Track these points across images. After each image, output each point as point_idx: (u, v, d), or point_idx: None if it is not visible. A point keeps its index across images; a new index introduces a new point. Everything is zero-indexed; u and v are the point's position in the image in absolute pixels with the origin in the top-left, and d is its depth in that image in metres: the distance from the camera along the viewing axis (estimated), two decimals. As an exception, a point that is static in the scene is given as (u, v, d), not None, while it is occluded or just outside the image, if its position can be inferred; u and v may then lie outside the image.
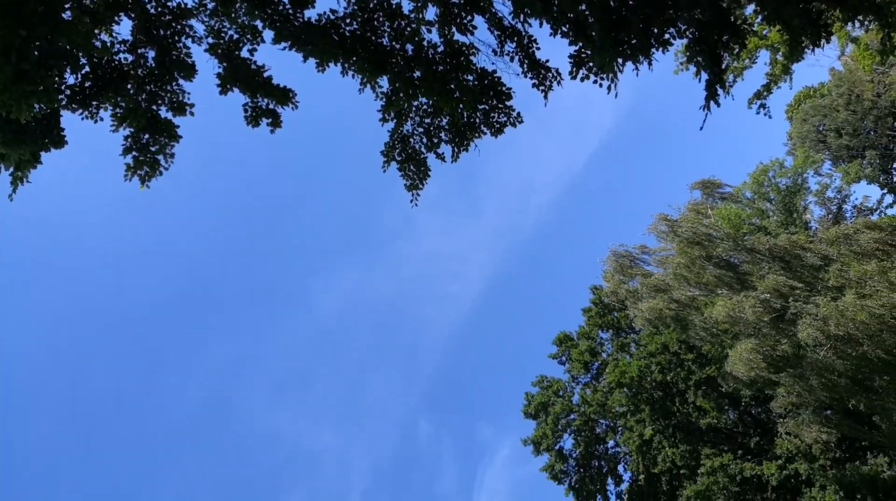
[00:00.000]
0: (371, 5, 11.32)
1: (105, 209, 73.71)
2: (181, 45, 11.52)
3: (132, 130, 11.50)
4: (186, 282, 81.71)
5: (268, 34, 11.47)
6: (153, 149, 11.73)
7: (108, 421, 73.69)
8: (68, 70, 10.44)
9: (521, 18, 11.35)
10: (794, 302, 23.95)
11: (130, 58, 11.28)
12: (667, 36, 10.92)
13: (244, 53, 11.84)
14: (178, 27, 11.45)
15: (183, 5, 11.37)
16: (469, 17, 11.56)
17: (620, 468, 36.48)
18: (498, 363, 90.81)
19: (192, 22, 11.55)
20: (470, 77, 11.80)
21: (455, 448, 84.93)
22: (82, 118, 11.04)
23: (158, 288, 79.32)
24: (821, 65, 40.84)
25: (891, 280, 22.45)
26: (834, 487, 27.07)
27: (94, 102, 11.00)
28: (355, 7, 11.31)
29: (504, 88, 11.96)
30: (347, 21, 11.30)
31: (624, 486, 36.02)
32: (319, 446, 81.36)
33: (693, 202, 34.04)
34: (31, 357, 70.22)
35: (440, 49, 11.70)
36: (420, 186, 12.85)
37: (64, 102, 10.72)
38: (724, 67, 11.96)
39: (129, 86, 11.19)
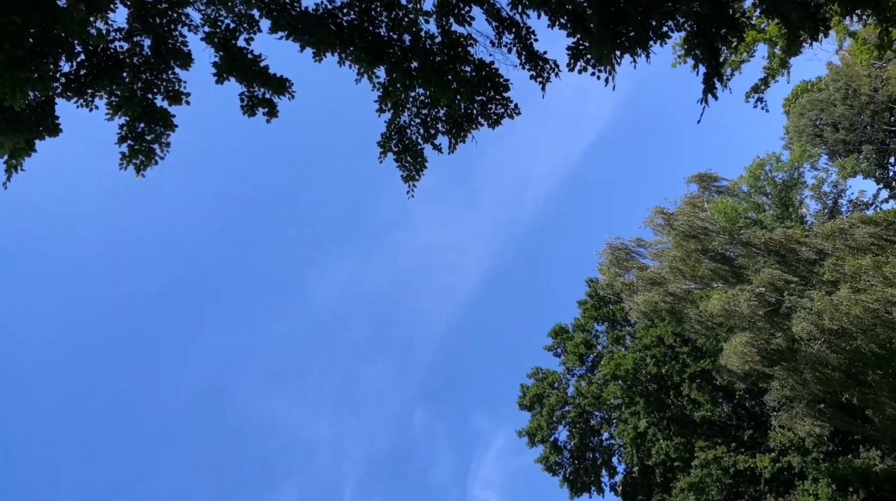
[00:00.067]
0: (368, -5, 11.27)
1: (100, 198, 73.53)
2: (177, 33, 11.45)
3: (127, 118, 11.43)
4: (182, 271, 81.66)
5: (264, 23, 11.41)
6: (149, 138, 11.66)
7: (104, 410, 73.75)
8: (63, 58, 10.36)
9: (520, 10, 11.31)
10: (789, 296, 24.02)
11: (126, 46, 11.20)
12: (665, 29, 10.90)
13: (241, 42, 11.77)
14: (174, 15, 11.38)
15: (179, -7, 11.30)
16: (467, 8, 11.51)
17: (615, 460, 36.68)
18: (493, 355, 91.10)
19: (188, 10, 11.48)
20: (467, 68, 11.75)
21: (450, 438, 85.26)
22: (77, 106, 10.98)
23: (154, 278, 79.25)
24: (818, 59, 40.94)
25: (885, 275, 22.51)
26: (826, 480, 27.23)
27: (90, 91, 10.93)
28: (353, -4, 11.25)
29: (502, 80, 11.91)
30: (345, 11, 11.23)
31: (618, 478, 36.23)
32: (315, 435, 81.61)
33: (689, 196, 34.09)
34: (26, 347, 70.17)
35: (438, 40, 11.64)
36: (417, 177, 12.82)
37: (59, 90, 10.65)
38: (721, 60, 11.94)
39: (124, 74, 11.12)
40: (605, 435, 36.76)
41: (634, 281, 30.80)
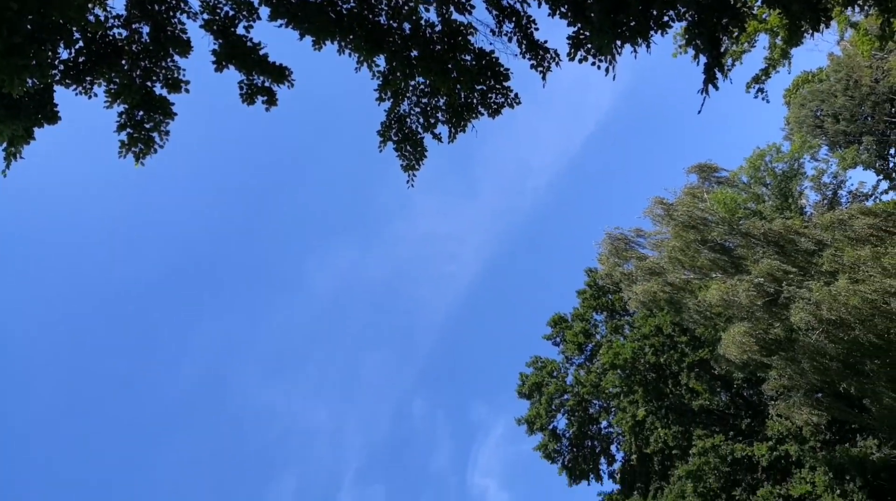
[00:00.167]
0: (368, -17, 11.22)
1: (99, 187, 73.44)
2: (176, 20, 11.40)
3: (126, 106, 11.40)
4: (181, 261, 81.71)
5: (264, 11, 11.35)
6: (147, 126, 11.64)
7: (103, 400, 74.00)
8: (61, 45, 10.32)
9: (520, -2, 11.27)
10: (788, 286, 24.06)
11: (124, 33, 11.15)
12: (666, 18, 10.85)
13: (240, 30, 11.72)
14: (173, 2, 11.32)
15: (178, -20, 11.24)
16: (467, -4, 11.47)
17: (613, 448, 36.87)
18: (492, 344, 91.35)
19: (187, -3, 11.43)
20: (468, 57, 11.71)
21: (449, 427, 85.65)
22: (76, 94, 10.95)
23: (152, 267, 79.29)
24: (819, 50, 40.79)
25: (884, 266, 22.55)
26: (823, 468, 27.39)
27: (88, 78, 10.89)
28: (352, -16, 11.20)
29: (502, 69, 11.88)
30: (344, -2, 11.19)
31: (616, 466, 36.45)
32: (314, 424, 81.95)
33: (689, 186, 34.05)
34: (24, 335, 70.30)
35: (438, 28, 11.60)
36: (416, 166, 12.80)
37: (57, 77, 10.62)
38: (722, 50, 11.90)
39: (123, 62, 11.08)
40: (604, 424, 36.94)
41: (633, 271, 30.83)
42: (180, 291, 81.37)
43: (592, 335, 37.66)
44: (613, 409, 35.74)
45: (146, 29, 11.27)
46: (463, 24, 11.58)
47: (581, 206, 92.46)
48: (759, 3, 12.35)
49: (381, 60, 11.72)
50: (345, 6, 11.16)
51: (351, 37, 11.15)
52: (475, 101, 12.13)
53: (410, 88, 12.25)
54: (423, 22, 11.53)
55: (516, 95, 12.13)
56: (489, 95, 12.07)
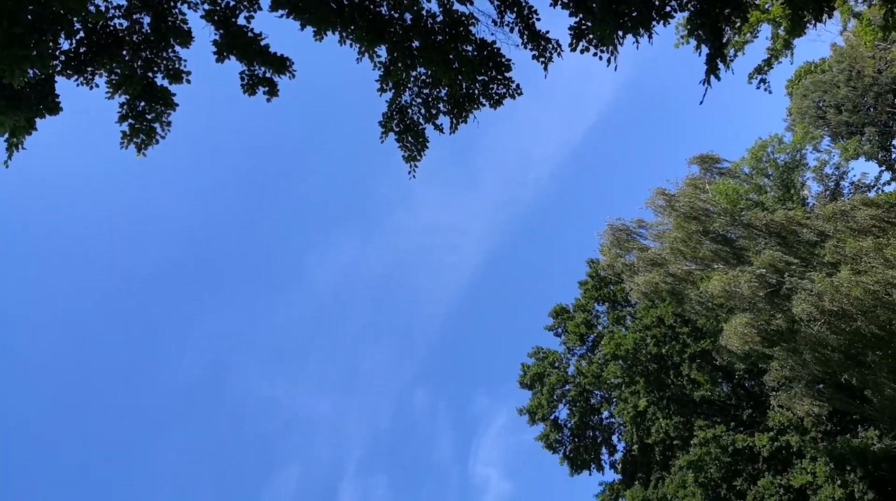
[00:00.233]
0: (369, -27, 11.17)
1: (101, 178, 73.44)
2: (177, 10, 11.37)
3: (128, 97, 11.40)
4: (182, 253, 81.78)
5: (265, 1, 11.33)
6: (149, 117, 11.64)
7: (106, 392, 74.26)
8: (62, 35, 10.31)
9: (522, -12, 11.23)
10: (790, 277, 24.05)
11: (125, 23, 11.14)
12: (668, 9, 10.81)
13: (241, 21, 11.69)
14: (174, -7, 11.30)
15: (178, -30, 11.21)
16: (469, -14, 11.42)
17: (614, 438, 36.98)
18: (494, 335, 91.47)
19: (188, -13, 11.39)
20: (469, 48, 11.68)
21: (451, 417, 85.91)
22: (77, 85, 10.95)
23: (154, 259, 79.39)
24: (822, 40, 40.54)
25: (886, 257, 22.53)
26: (824, 459, 27.46)
27: (90, 69, 10.89)
28: (353, -26, 11.15)
29: (503, 60, 11.85)
30: (345, -11, 11.15)
31: (618, 456, 36.56)
32: (316, 416, 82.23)
33: (691, 177, 33.99)
34: (26, 327, 70.50)
35: (439, 19, 11.57)
36: (418, 157, 12.79)
37: (58, 68, 10.61)
38: (725, 40, 11.87)
39: (124, 52, 11.07)
40: (605, 414, 37.04)
41: (635, 262, 30.83)
42: (182, 284, 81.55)
43: (594, 325, 37.70)
44: (615, 399, 35.82)
45: (147, 19, 11.25)
46: (464, 14, 11.55)
47: (583, 197, 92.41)
48: (761, -7, 12.28)
49: (382, 51, 11.71)
50: (346, -4, 11.13)
51: (352, 27, 11.13)
52: (477, 91, 12.10)
53: (412, 79, 12.23)
54: (424, 12, 11.50)
55: (518, 85, 12.11)
56: (491, 86, 12.05)
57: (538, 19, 11.75)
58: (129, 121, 11.57)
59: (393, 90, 12.23)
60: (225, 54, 11.68)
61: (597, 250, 35.10)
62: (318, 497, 76.87)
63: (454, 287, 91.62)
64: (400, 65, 11.69)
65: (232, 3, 11.61)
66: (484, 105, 12.24)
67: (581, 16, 10.89)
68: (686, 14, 11.36)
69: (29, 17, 8.88)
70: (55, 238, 74.05)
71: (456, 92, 12.06)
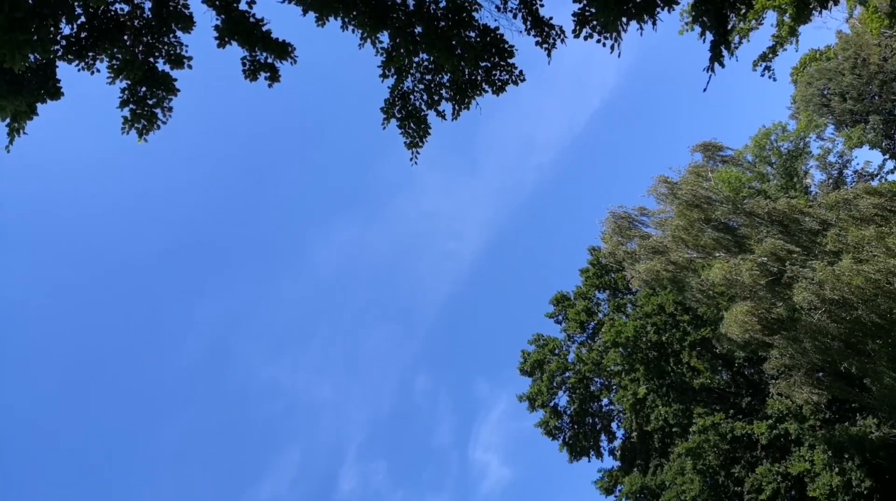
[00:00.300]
0: (372, -43, 11.09)
1: (103, 162, 73.35)
2: (178, -5, 11.32)
3: (129, 82, 11.37)
4: (185, 236, 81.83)
5: (266, -14, 11.27)
6: (150, 102, 11.61)
7: (108, 373, 74.63)
8: (63, 20, 10.26)
9: (525, -26, 11.14)
10: (791, 266, 24.05)
11: (127, 8, 11.08)
12: (673, -6, 10.74)
13: (242, 6, 11.64)
14: (175, -23, 11.23)
15: (180, -46, 11.13)
16: (472, -28, 11.34)
17: (614, 425, 37.15)
18: (495, 321, 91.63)
19: (190, -28, 11.32)
20: (472, 34, 11.62)
21: (451, 403, 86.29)
22: (79, 70, 10.91)
23: (157, 242, 79.48)
24: (828, 27, 40.31)
25: (888, 246, 22.51)
26: (822, 446, 27.58)
27: (91, 54, 10.85)
28: (356, -41, 11.07)
29: (506, 46, 11.79)
30: (348, -26, 11.08)
31: (617, 443, 36.74)
32: (318, 399, 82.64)
33: (693, 165, 33.88)
34: (29, 310, 70.70)
35: (442, 4, 11.50)
36: (420, 143, 12.76)
37: (59, 53, 10.57)
38: (729, 27, 11.79)
39: (125, 37, 11.02)
40: (605, 401, 37.18)
41: (636, 250, 30.82)
42: (185, 267, 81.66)
43: (595, 313, 37.76)
44: (614, 387, 35.94)
45: (148, 4, 11.20)
46: (467, 0, 11.47)
47: (585, 184, 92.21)
48: (767, -20, 12.19)
49: (384, 37, 11.65)
50: (348, -19, 11.06)
51: (354, 13, 11.07)
52: (479, 78, 12.05)
53: (414, 65, 12.17)
54: (427, -2, 11.43)
55: (521, 72, 12.05)
56: (493, 72, 11.99)
57: (541, 5, 11.68)
58: (131, 106, 11.54)
59: (395, 76, 12.18)
60: (226, 40, 11.63)
61: (598, 238, 35.12)
62: (318, 480, 77.41)
63: (455, 273, 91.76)
64: (402, 51, 11.63)
65: (233, -12, 11.54)
66: (486, 91, 12.19)
67: (585, 2, 10.83)
68: (690, 0, 11.28)
69: (30, 1, 8.84)
70: (57, 222, 74.14)
71: (458, 78, 12.01)
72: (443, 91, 12.38)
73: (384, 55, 11.85)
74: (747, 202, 29.08)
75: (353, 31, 11.42)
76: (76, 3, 10.23)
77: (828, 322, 23.03)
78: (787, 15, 22.12)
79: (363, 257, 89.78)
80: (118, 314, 77.59)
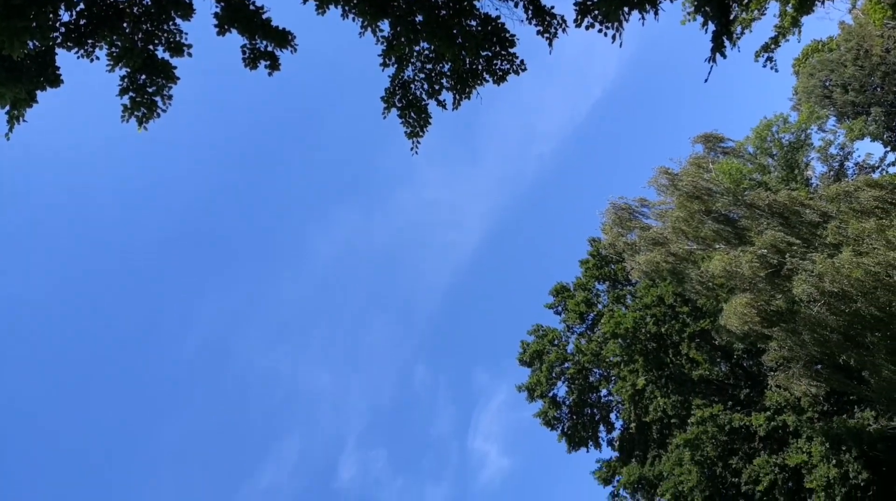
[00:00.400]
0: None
1: (102, 152, 73.20)
2: (178, -18, 11.25)
3: (128, 70, 11.32)
4: (185, 226, 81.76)
5: (266, -26, 11.21)
6: (150, 90, 11.57)
7: (108, 363, 74.77)
8: (62, 6, 10.22)
9: (527, -38, 11.08)
10: (791, 258, 24.05)
11: (126, -5, 11.03)
12: (675, -16, 10.68)
13: (242, -7, 11.57)
14: (175, -36, 11.16)
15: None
16: (473, -40, 11.27)
17: (612, 416, 37.23)
18: (495, 312, 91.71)
19: (189, -41, 11.25)
20: (473, 22, 11.57)
21: (451, 393, 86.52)
22: (78, 57, 10.87)
23: (157, 233, 79.42)
24: (830, 18, 39.99)
25: (888, 238, 22.50)
26: (820, 438, 27.67)
27: (90, 41, 10.80)
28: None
29: (508, 35, 11.74)
30: (348, -39, 11.02)
31: (615, 433, 36.84)
32: (317, 389, 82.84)
33: (694, 156, 33.80)
34: (29, 301, 70.73)
35: (443, -7, 11.44)
36: (420, 133, 12.73)
37: (58, 40, 10.53)
38: (732, 17, 11.74)
39: (124, 24, 10.96)
40: (604, 392, 37.25)
41: (637, 241, 30.81)
42: (184, 258, 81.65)
43: (594, 304, 37.79)
44: (613, 378, 36.01)
45: (148, -9, 11.13)
46: (469, -12, 11.42)
47: (586, 174, 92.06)
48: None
49: (385, 25, 11.60)
50: (349, -31, 11.00)
51: (355, 1, 11.01)
52: (480, 67, 12.00)
53: (415, 54, 12.12)
54: (428, -14, 11.36)
55: (522, 61, 12.01)
56: (494, 62, 11.94)
57: (543, -6, 11.62)
58: (130, 94, 11.50)
59: (396, 65, 12.13)
60: (226, 27, 11.57)
61: (598, 229, 35.06)
62: (318, 469, 77.75)
63: (455, 264, 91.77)
64: (403, 39, 11.58)
65: (233, -25, 11.47)
66: (487, 81, 12.15)
67: (587, -9, 10.77)
68: (693, -9, 11.23)
69: (28, -13, 8.80)
70: (57, 212, 74.08)
71: (459, 67, 11.96)
72: (443, 80, 12.34)
73: (385, 44, 11.80)
74: (748, 194, 29.04)
75: (354, 19, 11.38)
76: (75, -10, 10.19)
77: (827, 315, 23.05)
78: (790, 5, 22.02)
79: (363, 247, 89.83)
80: (118, 304, 77.69)
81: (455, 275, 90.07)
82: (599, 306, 37.66)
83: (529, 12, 11.62)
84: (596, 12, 10.81)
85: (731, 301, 25.37)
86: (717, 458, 30.16)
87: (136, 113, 11.59)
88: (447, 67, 12.13)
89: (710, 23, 11.29)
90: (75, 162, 72.01)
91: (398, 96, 12.51)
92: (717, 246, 26.88)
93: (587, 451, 36.78)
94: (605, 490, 35.50)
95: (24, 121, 10.73)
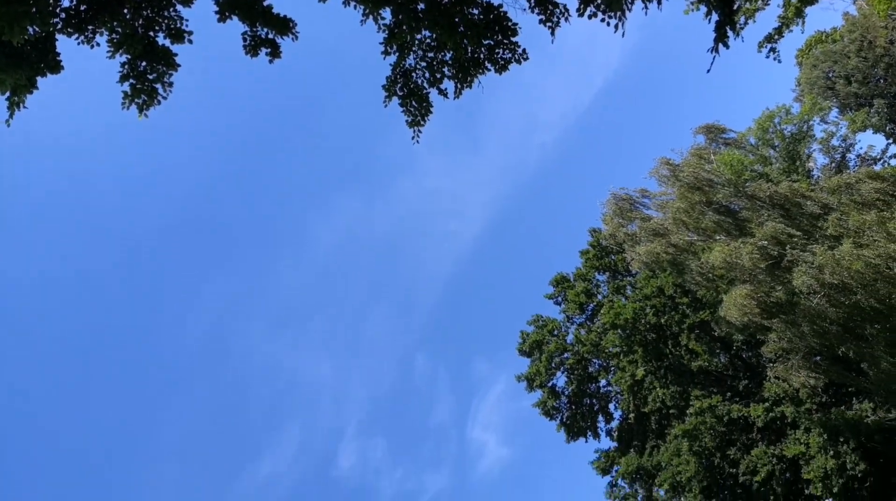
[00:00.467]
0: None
1: (103, 139, 73.06)
2: (178, -31, 11.18)
3: (129, 56, 11.26)
4: (186, 213, 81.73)
5: (268, -40, 11.13)
6: (151, 77, 11.51)
7: (107, 353, 74.93)
8: (62, -8, 10.17)
9: (530, -50, 11.01)
10: (792, 250, 24.04)
11: (126, -19, 10.96)
12: (679, -27, 10.63)
13: (243, -20, 11.50)
14: (176, -50, 11.09)
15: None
16: (476, -52, 11.20)
17: (611, 406, 37.34)
18: (495, 302, 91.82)
19: (190, -55, 11.18)
20: (475, 11, 11.50)
21: (450, 382, 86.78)
22: (78, 43, 10.82)
23: (158, 219, 79.40)
24: (834, 9, 39.74)
25: (889, 230, 22.49)
26: (818, 430, 27.76)
27: (90, 27, 10.74)
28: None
29: (510, 24, 11.67)
30: (350, -52, 10.95)
31: (614, 424, 36.97)
32: (317, 377, 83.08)
33: (696, 147, 33.70)
34: (28, 288, 70.80)
35: (445, -20, 11.37)
36: (422, 122, 12.68)
37: (59, 26, 10.47)
38: (735, 7, 11.68)
39: (125, 10, 10.90)
40: (603, 382, 37.34)
41: (637, 232, 30.79)
42: (185, 245, 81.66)
43: (594, 294, 37.80)
44: (613, 368, 36.08)
45: (148, -23, 11.07)
46: (471, -24, 11.35)
47: (587, 164, 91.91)
48: (774, -40, 12.06)
49: (386, 13, 11.53)
50: (350, -44, 10.93)
51: (356, -12, 10.95)
52: (482, 56, 11.94)
53: (416, 42, 12.05)
54: (430, -26, 11.29)
55: (524, 50, 11.94)
56: (496, 51, 11.88)
57: (546, -17, 11.54)
58: (131, 81, 11.44)
59: (397, 54, 12.07)
60: (227, 14, 11.50)
61: (599, 219, 34.99)
62: (317, 458, 78.11)
63: (456, 253, 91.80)
64: (404, 27, 11.52)
65: (234, -38, 11.40)
66: (489, 70, 12.08)
67: (590, -20, 10.72)
68: (697, -20, 11.17)
69: (28, -28, 8.75)
70: (58, 198, 74.01)
71: (461, 56, 11.90)
72: (445, 69, 12.27)
73: (386, 32, 11.74)
74: (749, 185, 29.01)
75: (355, 7, 11.31)
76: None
77: (826, 306, 23.07)
78: (794, -4, 21.89)
79: (364, 235, 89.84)
80: (118, 292, 77.77)
81: (456, 264, 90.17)
82: (599, 297, 37.68)
83: (532, 1, 11.56)
84: (599, 1, 10.76)
85: (731, 292, 25.39)
86: (716, 449, 30.28)
87: (136, 100, 11.54)
88: (449, 55, 12.06)
89: (713, 12, 11.24)
90: (76, 149, 71.92)
91: (399, 85, 12.45)
92: (718, 237, 26.86)
93: (586, 441, 36.94)
94: (603, 479, 35.73)
95: (24, 107, 10.69)
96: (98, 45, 10.94)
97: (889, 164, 36.95)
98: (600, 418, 37.17)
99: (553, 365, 36.71)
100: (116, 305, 77.29)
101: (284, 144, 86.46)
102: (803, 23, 23.54)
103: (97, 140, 72.16)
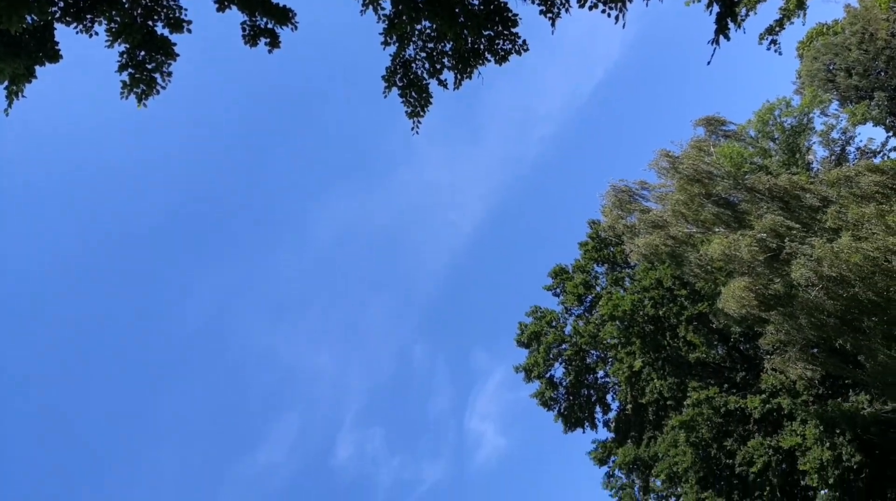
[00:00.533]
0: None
1: (101, 128, 72.84)
2: (177, -43, 11.13)
3: (127, 46, 11.22)
4: (185, 203, 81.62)
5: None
6: (149, 66, 11.48)
7: (106, 341, 74.99)
8: (61, -19, 10.12)
9: (531, -59, 10.96)
10: (790, 242, 24.06)
11: (125, -30, 10.91)
12: (680, -36, 10.58)
13: (243, -31, 11.44)
14: (175, -62, 11.03)
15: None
16: (476, -62, 11.14)
17: (609, 397, 37.44)
18: (493, 293, 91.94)
19: (189, -67, 11.12)
20: (475, 1, 11.47)
21: (449, 372, 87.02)
22: (77, 32, 10.77)
23: (157, 209, 79.29)
24: (836, 1, 39.67)
25: (888, 223, 22.50)
26: (815, 421, 27.87)
27: (89, 16, 10.70)
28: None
29: (510, 14, 11.63)
30: (350, -62, 10.89)
31: (611, 415, 37.09)
32: (316, 367, 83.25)
33: (696, 139, 33.65)
34: (28, 277, 70.78)
35: (445, -29, 11.31)
36: (421, 113, 12.66)
37: (57, 15, 10.43)
38: (736, -1, 11.64)
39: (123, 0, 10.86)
40: (601, 373, 37.43)
41: (636, 224, 30.78)
42: (184, 235, 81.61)
43: (593, 286, 37.83)
44: (610, 359, 36.16)
45: (147, -34, 11.01)
46: (471, -34, 11.30)
47: (587, 156, 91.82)
48: (776, -49, 12.01)
49: (386, 3, 11.51)
50: (350, -54, 10.87)
51: (356, -22, 10.90)
52: (482, 47, 11.90)
53: (416, 33, 12.02)
54: (430, -36, 11.24)
55: (524, 41, 11.91)
56: (496, 42, 11.85)
57: (546, -26, 11.49)
58: (129, 70, 11.41)
59: (397, 44, 12.04)
60: (226, 4, 11.46)
61: (598, 211, 34.97)
62: (315, 448, 78.37)
63: (455, 244, 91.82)
64: (404, 18, 11.48)
65: (234, -49, 11.34)
66: (489, 61, 12.06)
67: (590, -29, 10.67)
68: (698, -29, 11.12)
69: (26, -40, 8.70)
70: (57, 187, 73.86)
71: (461, 47, 11.86)
72: (445, 60, 12.24)
73: (386, 22, 11.70)
74: (748, 178, 28.99)
75: (355, -4, 11.27)
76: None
77: (824, 299, 23.11)
78: (796, -13, 21.82)
79: (363, 226, 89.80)
80: (116, 282, 77.77)
81: (454, 256, 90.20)
82: (598, 289, 37.70)
83: (532, -8, 11.52)
84: (599, -8, 10.73)
85: (730, 285, 25.41)
86: (712, 440, 30.40)
87: (135, 89, 11.51)
88: (449, 46, 12.03)
89: (714, 4, 11.20)
90: (75, 138, 71.70)
91: (399, 75, 12.42)
92: (717, 230, 26.88)
93: (583, 432, 37.07)
94: (600, 470, 35.86)
95: (23, 97, 10.66)
96: (97, 34, 10.91)
97: (889, 157, 36.93)
98: (598, 409, 37.30)
99: (551, 356, 36.79)
100: (115, 295, 77.36)
101: (283, 135, 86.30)
102: (804, 15, 23.47)
103: (96, 130, 71.98)
